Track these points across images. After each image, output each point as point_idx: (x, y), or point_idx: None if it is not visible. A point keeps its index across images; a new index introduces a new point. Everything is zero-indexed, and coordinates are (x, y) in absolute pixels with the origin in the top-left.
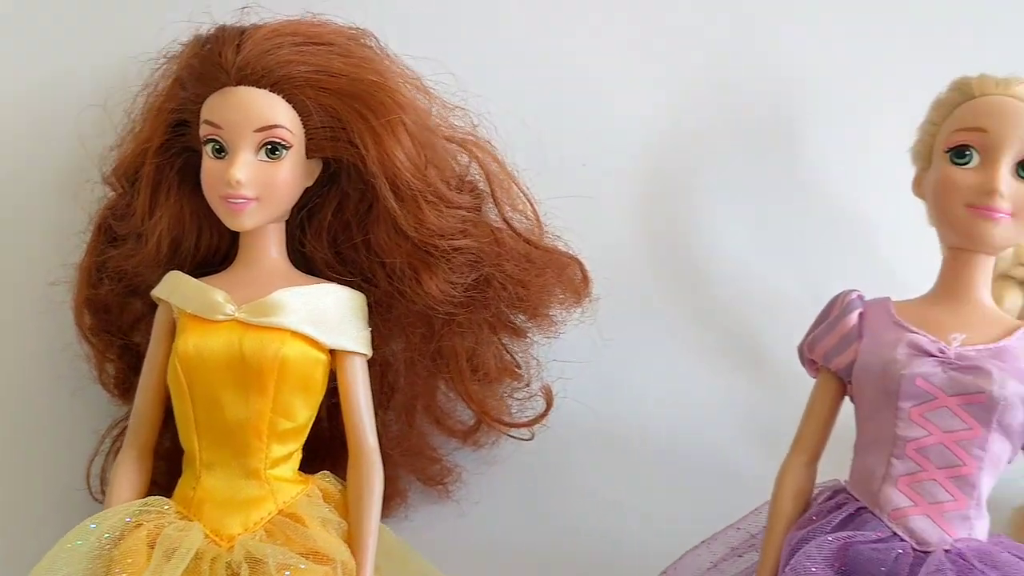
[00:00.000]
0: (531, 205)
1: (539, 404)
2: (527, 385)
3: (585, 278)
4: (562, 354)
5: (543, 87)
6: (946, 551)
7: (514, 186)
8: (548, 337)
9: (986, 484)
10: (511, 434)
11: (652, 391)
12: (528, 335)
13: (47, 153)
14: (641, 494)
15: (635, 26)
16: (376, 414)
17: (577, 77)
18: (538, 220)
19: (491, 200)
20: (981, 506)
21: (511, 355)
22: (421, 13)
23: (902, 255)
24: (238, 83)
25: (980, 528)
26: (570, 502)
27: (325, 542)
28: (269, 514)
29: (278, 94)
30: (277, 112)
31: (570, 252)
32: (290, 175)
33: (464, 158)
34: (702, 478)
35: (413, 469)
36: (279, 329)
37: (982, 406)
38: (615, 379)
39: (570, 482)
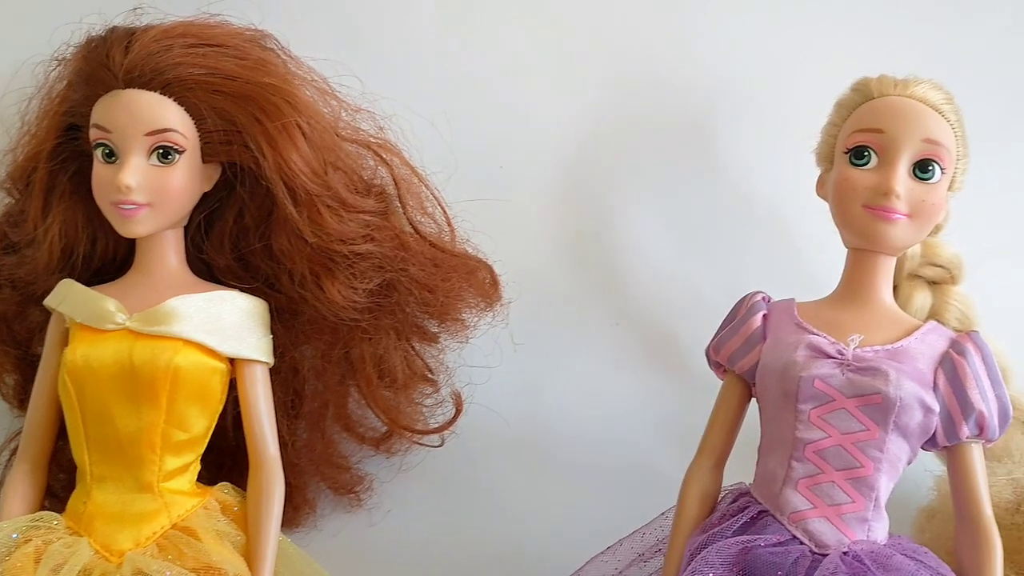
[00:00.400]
0: (442, 208)
1: (450, 410)
2: (437, 391)
3: (494, 282)
4: (475, 359)
5: (459, 89)
6: (844, 553)
7: (424, 189)
8: (459, 342)
9: (884, 485)
10: (420, 442)
11: (567, 395)
12: (439, 340)
13: None
14: (555, 500)
15: (551, 26)
16: (284, 422)
17: (493, 79)
18: (449, 223)
19: (399, 203)
20: (880, 507)
21: (422, 361)
22: (325, 14)
23: (818, 256)
24: (127, 85)
25: (879, 529)
26: (482, 509)
27: (219, 556)
28: (162, 528)
29: (169, 97)
30: (168, 115)
31: (479, 256)
32: (184, 180)
33: (371, 161)
34: (618, 483)
35: (323, 478)
36: (171, 338)
37: (879, 407)
38: (528, 384)
39: (483, 489)
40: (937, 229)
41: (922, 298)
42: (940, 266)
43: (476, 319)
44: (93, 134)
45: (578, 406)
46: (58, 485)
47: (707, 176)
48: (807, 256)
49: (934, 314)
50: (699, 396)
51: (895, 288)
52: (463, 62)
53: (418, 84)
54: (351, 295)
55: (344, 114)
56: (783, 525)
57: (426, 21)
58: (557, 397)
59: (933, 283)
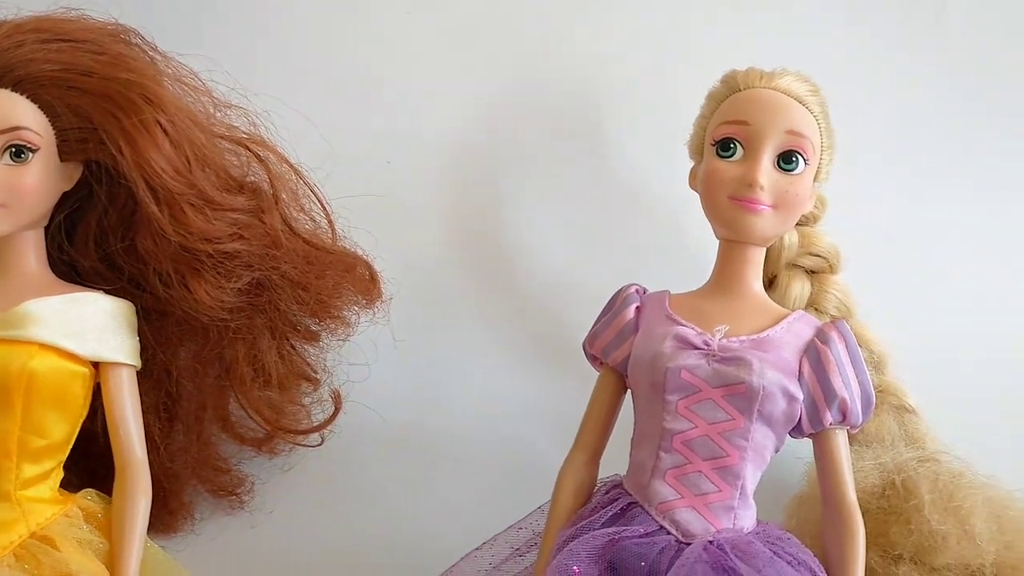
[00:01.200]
0: (321, 204)
1: (330, 409)
2: (318, 390)
3: (373, 278)
4: (357, 357)
5: (343, 84)
6: (709, 542)
7: (301, 185)
8: (340, 340)
9: (751, 474)
10: (299, 442)
11: (453, 393)
12: (320, 339)
13: None
14: (438, 498)
15: (439, 20)
16: (157, 425)
17: (377, 74)
18: (329, 220)
19: (273, 200)
20: (747, 496)
21: (302, 359)
22: (192, 7)
23: (706, 247)
24: None
25: (745, 517)
26: (364, 508)
27: (78, 565)
28: (20, 538)
29: (21, 94)
30: (20, 113)
31: (356, 252)
32: (39, 180)
33: (245, 157)
34: (506, 481)
35: (201, 480)
36: (26, 342)
37: (743, 396)
38: (411, 382)
39: (365, 488)
40: (815, 219)
41: (800, 287)
42: (819, 256)
43: (357, 317)
44: None
45: (464, 404)
46: None
47: (597, 172)
48: (695, 250)
49: (813, 303)
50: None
51: (774, 278)
52: (345, 56)
53: (298, 80)
54: (219, 295)
55: (215, 111)
56: (651, 516)
57: (306, 14)
58: (442, 395)
59: (812, 272)
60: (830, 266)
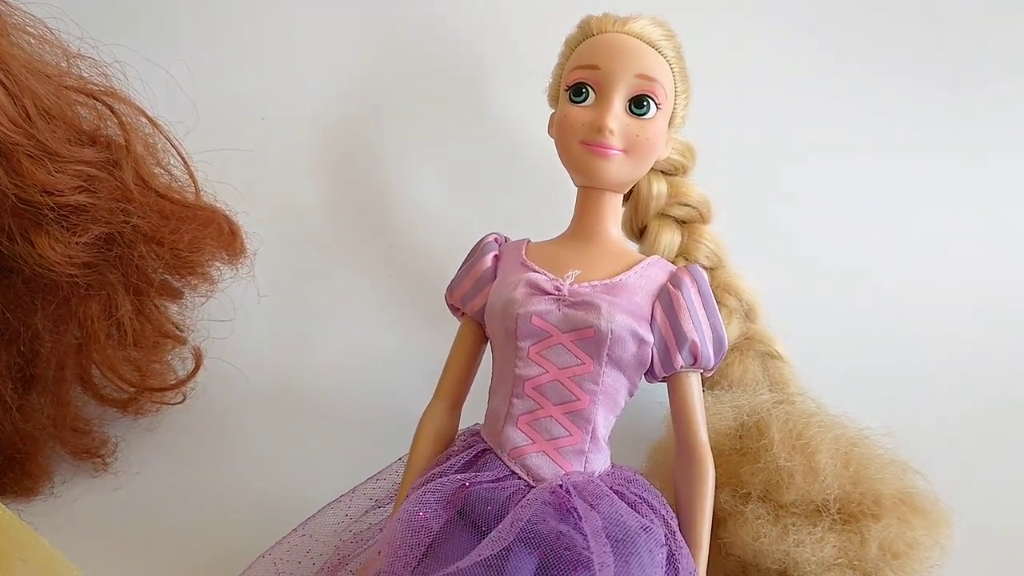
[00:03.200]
0: (182, 159)
1: (190, 367)
2: (183, 347)
3: (233, 232)
4: (221, 313)
5: (212, 37)
6: (559, 485)
7: (159, 138)
8: (203, 296)
9: (603, 418)
10: (162, 400)
11: (319, 346)
12: (182, 295)
13: None
14: (304, 453)
15: None
16: (10, 386)
17: (252, 26)
18: (190, 174)
19: (126, 152)
20: (598, 439)
21: (163, 316)
22: None
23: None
24: None
25: (597, 461)
26: (233, 465)
27: None
28: None
29: None
30: None
31: (216, 207)
32: None
33: (99, 110)
34: (374, 431)
35: (61, 443)
36: None
37: (592, 340)
38: (277, 336)
39: (230, 444)
40: (684, 170)
41: (670, 236)
42: (689, 205)
43: (220, 272)
44: None
45: (331, 358)
46: None
47: (475, 123)
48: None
49: (684, 252)
50: None
51: (644, 228)
52: (214, 8)
53: (163, 33)
54: (65, 249)
55: (64, 61)
56: (503, 462)
57: None
58: (309, 349)
59: (683, 223)
60: (701, 216)
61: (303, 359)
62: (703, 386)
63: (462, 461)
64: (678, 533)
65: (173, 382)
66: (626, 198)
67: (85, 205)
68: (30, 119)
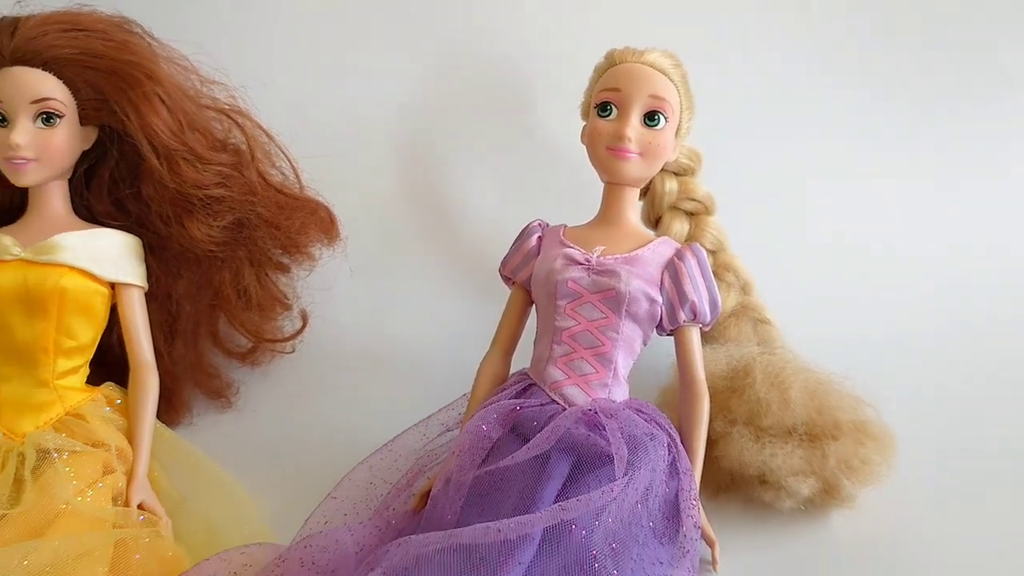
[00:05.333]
0: (289, 162)
1: (297, 325)
2: (289, 311)
3: (331, 220)
4: (319, 284)
5: (315, 64)
6: (588, 408)
7: (273, 146)
8: (306, 269)
9: (622, 360)
10: (276, 349)
11: (397, 312)
12: (290, 269)
13: None
14: (390, 395)
15: (391, 11)
16: (161, 338)
17: (341, 56)
18: (296, 173)
19: (250, 157)
20: (619, 376)
21: (275, 286)
22: (179, 1)
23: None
24: (12, 64)
25: (618, 392)
26: (330, 404)
27: (104, 433)
28: (57, 415)
29: (50, 72)
30: (48, 87)
31: (319, 199)
32: (65, 139)
33: (227, 124)
34: (443, 380)
35: (197, 384)
36: (58, 265)
37: (614, 299)
38: (364, 305)
39: (330, 389)
40: (692, 172)
41: (680, 226)
42: (696, 200)
43: (319, 252)
44: None
45: (407, 321)
46: None
47: (522, 133)
48: (596, 192)
49: (692, 238)
50: None
51: (659, 218)
52: (310, 42)
53: (272, 62)
54: (208, 231)
55: (202, 86)
56: (546, 392)
57: (277, 6)
58: (389, 314)
59: (691, 214)
60: (706, 208)
61: (385, 321)
62: (704, 341)
63: (514, 392)
64: (679, 444)
65: (280, 336)
66: (643, 194)
67: (222, 197)
68: (183, 130)
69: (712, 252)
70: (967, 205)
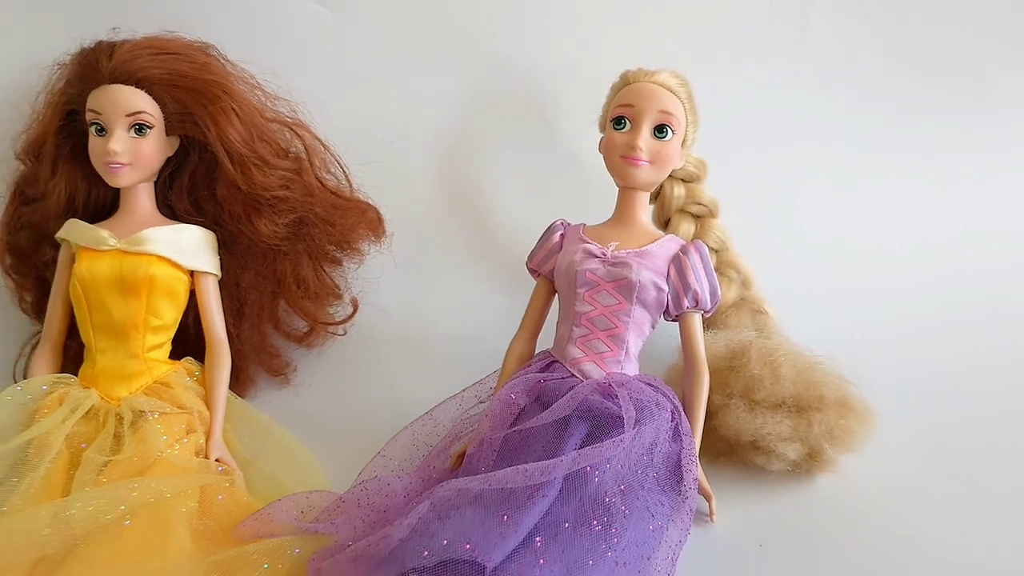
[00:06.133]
0: (342, 168)
1: (349, 311)
2: (340, 299)
3: (379, 219)
4: (368, 276)
5: (363, 80)
6: (603, 380)
7: (328, 155)
8: (356, 263)
9: (633, 341)
10: (330, 331)
11: (436, 302)
12: (342, 263)
13: None
14: (430, 375)
15: (430, 23)
16: (231, 321)
17: (385, 75)
18: (348, 178)
19: (308, 164)
20: (630, 355)
21: (329, 277)
22: (255, 28)
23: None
24: (111, 82)
25: (629, 368)
26: (378, 383)
27: (187, 399)
28: (146, 383)
29: (141, 89)
30: (140, 102)
31: (368, 201)
32: (154, 147)
33: (289, 135)
34: (477, 363)
35: (260, 363)
36: (148, 255)
37: (626, 287)
38: (408, 295)
39: (377, 370)
40: (698, 179)
41: (687, 227)
42: (702, 204)
43: (368, 248)
44: (89, 116)
45: (445, 310)
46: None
47: (546, 142)
48: (610, 196)
49: (698, 238)
50: None
51: (668, 220)
52: (361, 64)
53: (327, 80)
54: (272, 228)
55: (268, 102)
56: (566, 368)
57: (330, 34)
58: (429, 304)
59: (697, 217)
60: (711, 212)
61: (426, 309)
62: (706, 328)
63: (538, 368)
64: (682, 412)
65: (330, 319)
66: (654, 198)
67: (285, 198)
68: (254, 140)
69: (716, 251)
70: (954, 207)
